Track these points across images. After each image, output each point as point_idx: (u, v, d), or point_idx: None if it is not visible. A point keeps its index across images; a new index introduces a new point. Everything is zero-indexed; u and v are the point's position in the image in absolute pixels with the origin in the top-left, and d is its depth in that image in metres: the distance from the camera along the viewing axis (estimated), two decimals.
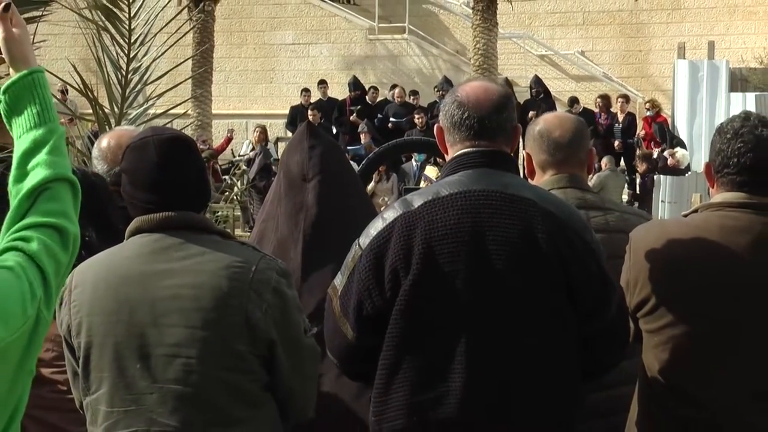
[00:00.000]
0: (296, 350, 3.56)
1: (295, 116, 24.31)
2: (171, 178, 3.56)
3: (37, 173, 2.51)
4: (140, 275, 3.51)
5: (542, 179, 4.27)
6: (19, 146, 2.55)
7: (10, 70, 2.62)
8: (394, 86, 25.32)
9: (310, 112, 23.47)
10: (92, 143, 5.09)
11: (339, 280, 3.80)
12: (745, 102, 22.50)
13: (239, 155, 24.48)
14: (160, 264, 3.51)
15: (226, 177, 21.83)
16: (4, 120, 2.62)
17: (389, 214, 3.74)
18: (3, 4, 2.62)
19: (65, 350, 3.60)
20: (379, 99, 25.50)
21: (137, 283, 3.51)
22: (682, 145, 22.00)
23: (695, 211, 3.91)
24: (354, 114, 24.90)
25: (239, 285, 3.45)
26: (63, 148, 2.58)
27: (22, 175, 2.52)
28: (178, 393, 3.43)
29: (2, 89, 2.61)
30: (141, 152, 3.59)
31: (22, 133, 2.56)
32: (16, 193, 2.51)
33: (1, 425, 2.37)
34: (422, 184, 17.49)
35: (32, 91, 2.58)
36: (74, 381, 3.62)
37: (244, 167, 22.42)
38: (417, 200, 3.73)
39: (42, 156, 2.53)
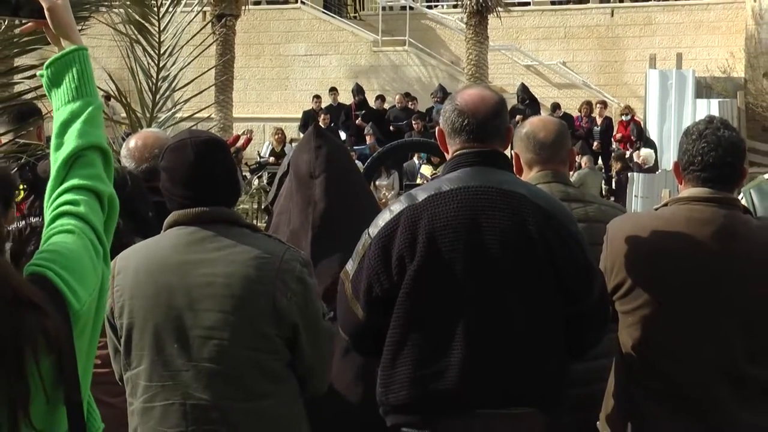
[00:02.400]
0: (315, 332, 3.55)
1: (308, 120, 24.29)
2: (205, 175, 3.56)
3: (71, 142, 2.49)
4: (178, 264, 3.51)
5: (529, 175, 4.28)
6: (58, 117, 2.52)
7: (62, 42, 2.58)
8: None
9: (320, 116, 23.48)
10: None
11: (350, 266, 3.80)
12: (710, 107, 22.52)
13: (261, 156, 24.50)
14: (195, 254, 3.51)
15: (247, 174, 21.78)
16: (46, 92, 2.59)
17: (396, 207, 3.75)
18: None
19: (107, 329, 3.58)
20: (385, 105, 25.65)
21: (175, 271, 3.51)
22: (653, 146, 21.97)
23: (665, 204, 3.92)
24: (359, 118, 24.93)
25: (267, 274, 3.45)
26: (98, 120, 2.55)
27: (59, 144, 2.50)
28: (211, 370, 3.44)
29: (46, 64, 2.58)
30: (179, 152, 3.59)
31: (60, 105, 2.53)
32: (54, 160, 2.49)
33: (86, 390, 2.37)
34: (419, 181, 17.46)
35: (73, 66, 2.55)
36: (115, 357, 3.62)
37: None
38: (421, 194, 3.74)
39: (77, 126, 2.50)
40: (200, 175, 3.56)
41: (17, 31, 6.64)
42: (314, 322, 3.55)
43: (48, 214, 2.45)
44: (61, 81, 2.54)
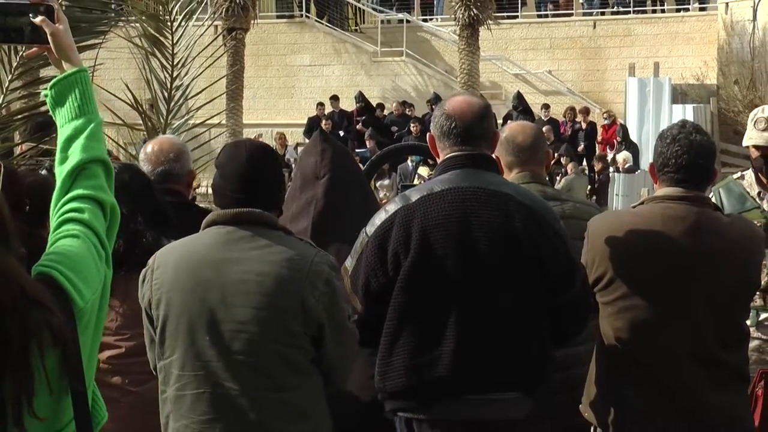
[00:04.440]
0: (340, 332, 3.52)
1: (312, 126, 24.27)
2: (251, 175, 3.53)
3: (75, 156, 2.49)
4: (215, 261, 3.48)
5: (509, 177, 4.27)
6: (62, 133, 2.53)
7: (63, 64, 2.58)
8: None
9: (323, 122, 23.46)
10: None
11: (349, 263, 3.80)
12: (685, 112, 22.52)
13: None
14: (232, 252, 3.48)
15: None
16: (50, 110, 2.59)
17: (391, 207, 3.75)
18: (44, 7, 2.59)
19: (144, 320, 3.58)
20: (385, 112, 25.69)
21: (212, 268, 3.48)
22: (635, 148, 21.99)
23: (642, 203, 3.93)
24: (360, 123, 24.93)
25: (297, 275, 3.42)
26: (99, 135, 2.56)
27: (64, 158, 2.50)
28: (241, 362, 3.42)
29: (50, 85, 2.58)
30: (234, 149, 3.60)
31: (64, 123, 2.54)
32: (60, 172, 2.50)
33: (90, 385, 2.36)
34: (416, 182, 17.46)
35: (75, 87, 2.55)
36: (151, 346, 3.60)
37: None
38: (414, 195, 3.75)
39: (80, 141, 2.50)
40: (247, 172, 3.54)
41: (24, 56, 6.65)
42: (339, 323, 3.51)
43: (54, 221, 2.45)
44: (64, 100, 2.55)
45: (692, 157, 3.76)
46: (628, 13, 28.73)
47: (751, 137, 4.96)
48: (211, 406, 3.45)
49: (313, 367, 3.49)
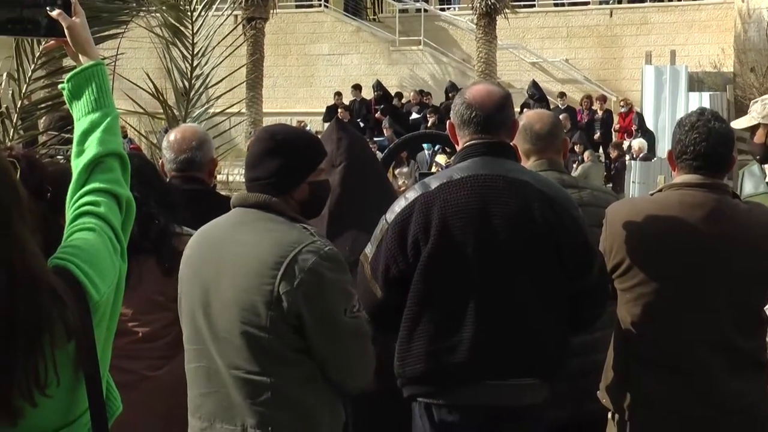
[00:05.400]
0: (328, 326, 3.40)
1: (330, 114, 24.33)
2: (258, 159, 3.55)
3: (92, 150, 2.48)
4: (219, 240, 3.52)
5: (526, 165, 4.25)
6: (79, 127, 2.52)
7: (80, 57, 2.58)
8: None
9: (339, 111, 23.47)
10: (163, 137, 5.09)
11: (369, 249, 3.80)
12: (701, 100, 22.42)
13: None
14: (232, 234, 3.50)
15: None
16: (67, 103, 2.58)
17: (411, 194, 3.75)
18: (62, 1, 2.58)
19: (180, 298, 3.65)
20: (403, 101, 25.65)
21: (215, 247, 3.52)
22: (651, 136, 21.91)
23: (660, 190, 3.91)
24: (378, 112, 24.92)
25: (280, 260, 3.37)
26: (116, 129, 2.54)
27: (80, 152, 2.49)
28: (225, 340, 3.42)
29: (66, 78, 2.57)
30: (258, 135, 3.64)
31: (81, 116, 2.53)
32: (76, 166, 2.49)
33: (104, 376, 2.37)
34: (434, 169, 17.44)
35: (92, 80, 2.54)
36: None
37: None
38: (434, 182, 3.74)
39: (97, 135, 2.49)
40: (255, 159, 3.56)
41: (41, 48, 6.66)
42: (325, 315, 3.40)
43: (70, 213, 2.44)
44: (81, 93, 2.54)
45: (711, 145, 3.73)
46: (644, 1, 28.66)
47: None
48: (207, 381, 3.48)
49: (297, 356, 3.41)
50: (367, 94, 26.15)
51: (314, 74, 29.67)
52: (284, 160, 3.52)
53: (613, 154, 21.05)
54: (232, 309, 3.41)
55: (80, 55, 2.58)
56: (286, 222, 3.48)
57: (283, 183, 3.52)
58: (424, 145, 20.36)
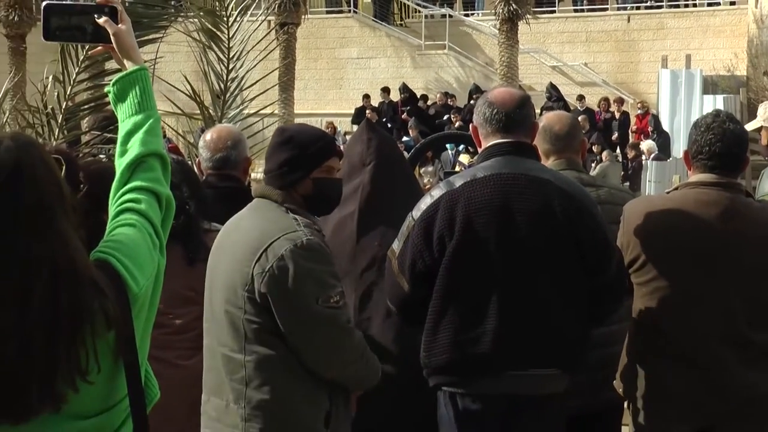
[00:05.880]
0: (295, 313, 3.40)
1: (359, 116, 24.38)
2: (268, 154, 3.62)
3: (134, 150, 2.49)
4: (229, 227, 3.65)
5: (546, 164, 4.24)
6: (123, 128, 2.53)
7: (126, 62, 2.58)
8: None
9: (368, 112, 23.49)
10: (200, 137, 5.12)
11: (396, 245, 3.80)
12: (715, 102, 22.26)
13: None
14: (240, 222, 3.60)
15: None
16: (112, 105, 2.60)
17: (436, 192, 3.75)
18: (109, 9, 2.59)
19: None
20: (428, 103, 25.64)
21: (224, 233, 3.65)
22: (666, 137, 21.81)
23: (676, 188, 3.90)
24: (404, 113, 24.91)
25: (259, 246, 3.43)
26: (158, 130, 2.55)
27: (123, 152, 2.51)
28: (217, 320, 3.51)
29: (112, 82, 2.59)
30: (273, 135, 3.68)
31: (125, 118, 2.54)
32: (119, 165, 2.50)
33: (143, 365, 2.38)
34: (457, 168, 17.44)
35: (136, 84, 2.55)
36: None
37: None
38: (458, 181, 3.74)
39: (139, 136, 2.50)
40: (267, 154, 3.63)
41: (89, 53, 6.69)
42: (292, 302, 3.40)
43: (113, 210, 2.46)
44: (125, 96, 2.55)
45: (725, 145, 3.72)
46: (661, 7, 28.49)
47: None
48: (209, 358, 3.59)
49: (273, 339, 3.43)
50: (395, 96, 26.14)
51: (343, 77, 29.69)
52: (289, 154, 3.56)
53: (630, 154, 21.01)
54: (222, 290, 3.50)
55: (125, 60, 2.59)
56: (281, 212, 3.51)
57: (287, 176, 3.56)
58: (448, 145, 20.36)
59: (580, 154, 4.43)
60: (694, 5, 28.43)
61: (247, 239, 3.49)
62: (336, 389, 3.52)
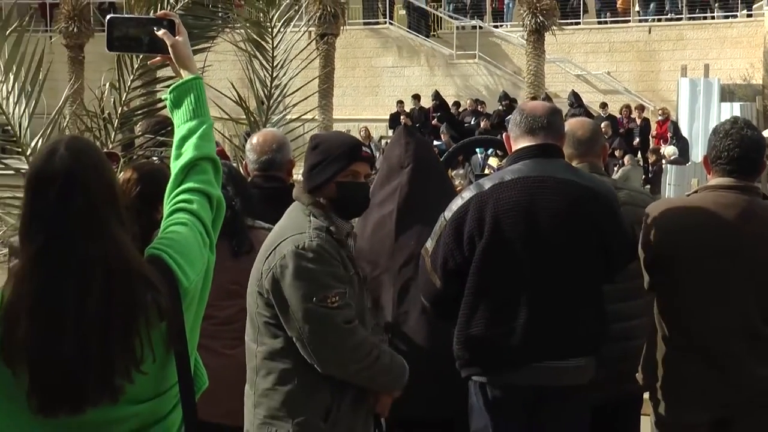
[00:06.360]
0: (291, 309, 3.41)
1: (394, 121, 24.46)
2: (304, 161, 3.64)
3: (188, 153, 2.51)
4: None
5: None
6: (178, 132, 2.56)
7: (182, 72, 2.61)
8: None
9: (402, 117, 23.49)
10: (245, 140, 5.14)
11: (429, 244, 3.81)
12: (732, 110, 22.06)
13: None
14: (279, 221, 3.65)
15: None
16: (169, 111, 2.62)
17: (466, 194, 3.76)
18: (167, 22, 2.62)
19: None
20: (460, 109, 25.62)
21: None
22: (686, 142, 21.67)
23: (696, 191, 3.88)
24: (435, 119, 24.88)
25: (271, 245, 3.48)
26: (211, 135, 2.57)
27: (178, 155, 2.53)
28: (248, 312, 3.59)
29: (169, 90, 2.61)
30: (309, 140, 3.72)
31: (180, 123, 2.56)
32: (173, 168, 2.52)
33: (193, 353, 2.40)
34: (486, 171, 17.41)
35: (191, 92, 2.57)
36: None
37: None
38: (487, 183, 3.75)
39: (193, 140, 2.52)
40: (304, 160, 3.65)
41: (147, 63, 6.74)
42: (289, 298, 3.40)
43: (167, 209, 2.48)
44: (181, 103, 2.57)
45: (743, 150, 3.70)
46: (680, 19, 28.29)
47: None
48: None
49: (276, 331, 3.46)
50: (426, 103, 26.12)
51: (379, 84, 29.70)
52: (316, 159, 3.58)
53: (651, 158, 20.99)
54: (250, 284, 3.56)
55: (181, 69, 2.61)
56: (302, 215, 3.53)
57: (313, 180, 3.58)
58: (477, 149, 20.32)
59: (601, 158, 4.42)
60: (713, 17, 28.20)
61: (268, 239, 3.54)
62: (341, 386, 3.47)
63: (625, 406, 4.27)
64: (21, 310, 2.14)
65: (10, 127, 7.33)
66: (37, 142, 7.01)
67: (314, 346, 3.40)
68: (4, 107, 7.31)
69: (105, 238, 2.20)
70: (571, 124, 4.42)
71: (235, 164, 5.46)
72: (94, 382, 2.15)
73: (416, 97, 26.05)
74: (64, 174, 2.19)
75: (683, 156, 20.67)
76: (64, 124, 7.71)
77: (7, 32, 7.56)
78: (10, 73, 7.31)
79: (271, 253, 3.45)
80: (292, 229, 3.48)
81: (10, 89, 7.30)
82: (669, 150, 20.59)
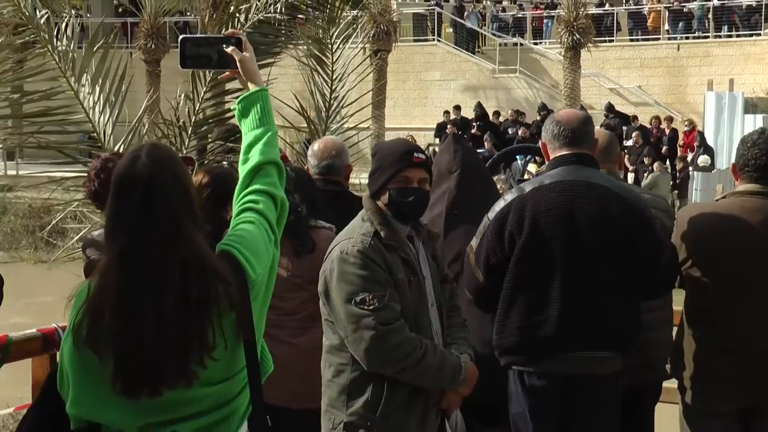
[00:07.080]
0: (333, 306, 3.39)
1: (440, 129, 24.47)
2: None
3: (254, 158, 2.53)
4: None
5: None
6: (245, 139, 2.57)
7: (249, 84, 2.62)
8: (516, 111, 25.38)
9: (449, 127, 23.46)
10: (306, 147, 5.15)
11: (474, 242, 3.81)
12: (756, 121, 21.73)
13: None
14: None
15: None
16: (237, 120, 2.64)
17: (508, 197, 3.76)
18: (235, 39, 2.63)
19: None
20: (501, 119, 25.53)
21: None
22: (711, 151, 21.42)
23: (724, 197, 3.84)
24: (476, 128, 24.80)
25: (329, 250, 3.47)
26: (275, 142, 2.58)
27: (246, 160, 2.54)
28: None
29: (237, 101, 2.63)
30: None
31: (247, 131, 2.58)
32: (241, 172, 2.54)
33: (259, 340, 2.41)
34: (526, 176, 17.35)
35: (257, 103, 2.58)
36: None
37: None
38: (528, 187, 3.75)
39: (259, 147, 2.53)
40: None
41: (218, 77, 6.80)
42: (333, 297, 3.37)
43: (236, 209, 2.50)
44: (248, 113, 2.59)
45: None
46: (707, 37, 27.99)
47: None
48: None
49: (332, 326, 3.43)
50: (467, 113, 26.05)
51: (427, 96, 29.72)
52: (373, 167, 3.56)
53: (679, 165, 20.87)
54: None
55: (248, 82, 2.63)
56: (359, 220, 3.49)
57: (372, 186, 3.55)
58: (518, 156, 20.22)
59: (617, 165, 4.39)
60: (737, 35, 27.84)
61: (331, 244, 3.51)
62: (393, 383, 3.37)
63: (643, 393, 4.23)
64: (106, 305, 2.18)
65: (96, 134, 7.44)
66: (119, 147, 7.11)
67: (355, 345, 3.35)
68: (91, 116, 7.42)
69: (182, 239, 2.22)
70: None
71: None
72: (171, 368, 2.18)
73: (457, 108, 26.00)
74: (145, 180, 2.22)
75: (709, 164, 20.45)
76: (143, 132, 7.82)
77: (94, 49, 7.68)
78: (96, 86, 7.43)
79: (327, 257, 3.45)
80: (345, 234, 3.46)
81: (96, 100, 7.42)
82: (702, 159, 20.42)
